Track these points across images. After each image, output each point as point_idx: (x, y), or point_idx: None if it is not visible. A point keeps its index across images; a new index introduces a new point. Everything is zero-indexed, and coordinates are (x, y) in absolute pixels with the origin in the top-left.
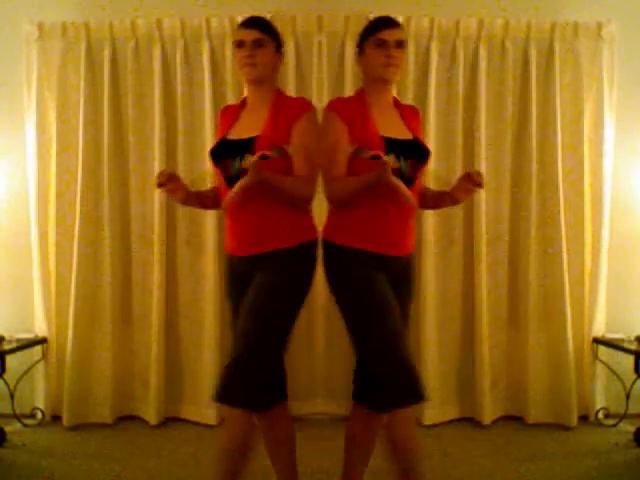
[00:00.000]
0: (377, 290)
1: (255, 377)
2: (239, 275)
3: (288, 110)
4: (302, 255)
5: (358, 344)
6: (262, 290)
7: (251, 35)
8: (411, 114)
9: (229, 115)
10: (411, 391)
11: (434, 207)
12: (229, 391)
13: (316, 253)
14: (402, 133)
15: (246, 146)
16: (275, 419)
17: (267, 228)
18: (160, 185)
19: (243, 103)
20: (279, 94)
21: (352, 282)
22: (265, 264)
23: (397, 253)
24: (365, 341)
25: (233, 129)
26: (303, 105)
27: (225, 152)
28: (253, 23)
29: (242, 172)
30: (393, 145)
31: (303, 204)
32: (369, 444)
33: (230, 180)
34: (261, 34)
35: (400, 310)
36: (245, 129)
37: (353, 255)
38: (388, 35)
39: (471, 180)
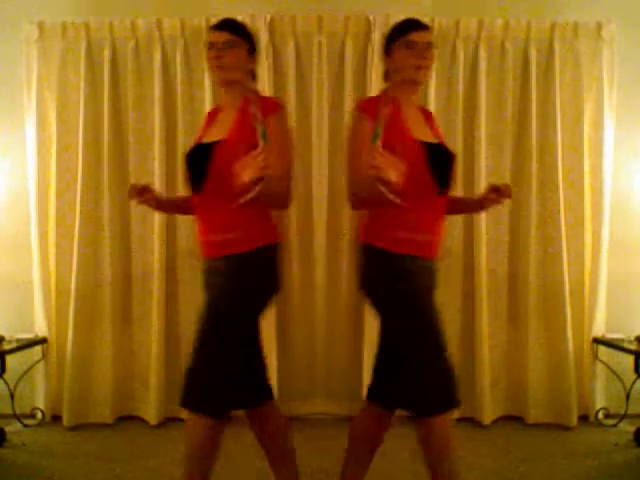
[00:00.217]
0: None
1: (207, 387)
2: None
3: (258, 112)
4: (257, 261)
5: (401, 353)
6: (210, 299)
7: (221, 37)
8: (430, 117)
9: (210, 117)
10: (451, 399)
11: (457, 213)
12: (185, 398)
13: (275, 258)
14: (429, 136)
15: (206, 152)
16: (263, 417)
17: (225, 230)
18: (132, 198)
19: (218, 107)
20: (249, 95)
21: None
22: (219, 267)
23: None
24: (415, 353)
25: (208, 132)
26: (271, 106)
27: (190, 158)
28: (224, 25)
29: (198, 179)
30: (430, 149)
31: (280, 203)
32: (377, 444)
33: (193, 189)
34: (231, 36)
35: None
36: (215, 132)
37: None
38: (418, 37)
39: (500, 193)
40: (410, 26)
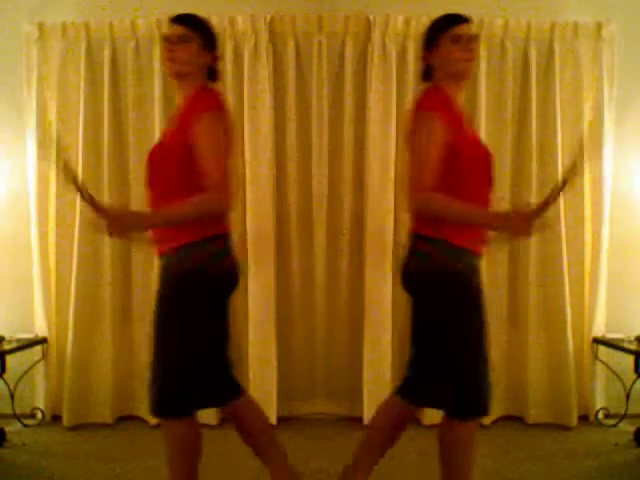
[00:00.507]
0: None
1: (165, 391)
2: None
3: (192, 111)
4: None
5: (449, 352)
6: (156, 301)
7: (176, 30)
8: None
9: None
10: (487, 405)
11: None
12: (150, 406)
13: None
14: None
15: (150, 152)
16: (240, 415)
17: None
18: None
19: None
20: (198, 93)
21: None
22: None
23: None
24: (463, 354)
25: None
26: (204, 105)
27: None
28: (179, 19)
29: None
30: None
31: (222, 209)
32: (395, 437)
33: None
34: (186, 30)
35: None
36: (165, 133)
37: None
38: (463, 30)
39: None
40: (454, 20)
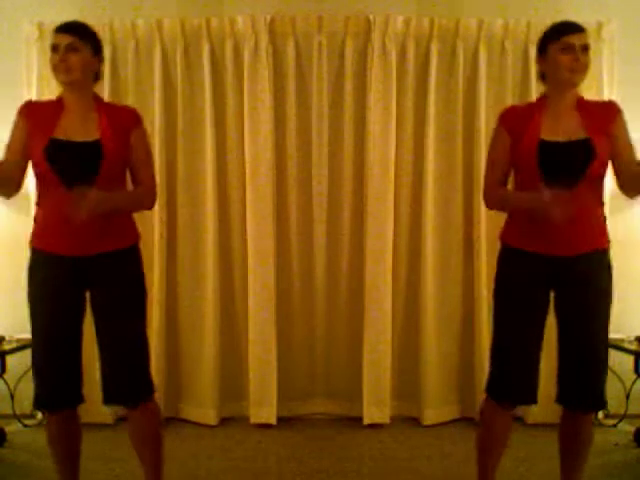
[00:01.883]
0: None
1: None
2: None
3: (124, 118)
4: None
5: (603, 349)
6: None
7: (65, 39)
8: (600, 112)
9: (40, 114)
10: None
11: None
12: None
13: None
14: (573, 134)
15: (92, 149)
16: (135, 419)
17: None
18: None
19: (58, 104)
20: (99, 99)
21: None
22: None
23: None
24: (606, 347)
25: (59, 130)
26: (137, 114)
27: (64, 153)
28: (68, 27)
29: (85, 176)
30: (548, 149)
31: (150, 207)
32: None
33: (70, 183)
34: (74, 39)
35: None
36: (77, 132)
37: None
38: (575, 39)
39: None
40: (566, 28)
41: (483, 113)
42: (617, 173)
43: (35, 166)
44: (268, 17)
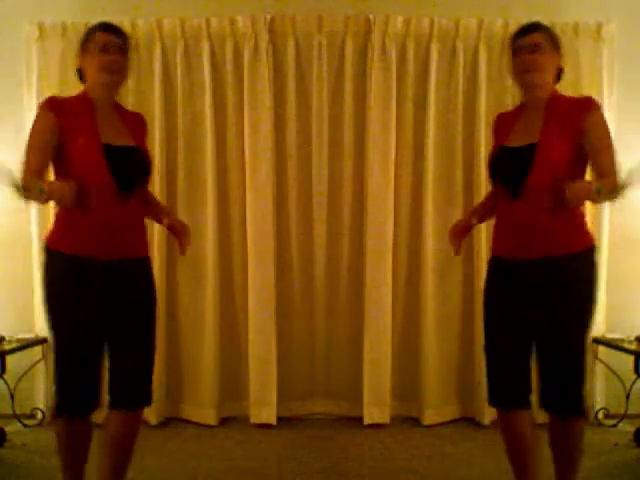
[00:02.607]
0: None
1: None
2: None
3: (139, 124)
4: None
5: (577, 353)
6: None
7: (115, 40)
8: (570, 109)
9: (71, 112)
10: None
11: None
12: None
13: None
14: (533, 138)
15: (140, 154)
16: (126, 423)
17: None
18: None
19: (88, 104)
20: (115, 102)
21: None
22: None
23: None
24: (581, 351)
25: (103, 135)
26: (146, 121)
27: (121, 159)
28: (116, 29)
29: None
30: (501, 156)
31: None
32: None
33: (125, 188)
34: (123, 41)
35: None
36: (116, 136)
37: None
38: (523, 41)
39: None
40: (516, 33)
41: (483, 113)
42: (591, 170)
43: (82, 170)
44: (268, 17)
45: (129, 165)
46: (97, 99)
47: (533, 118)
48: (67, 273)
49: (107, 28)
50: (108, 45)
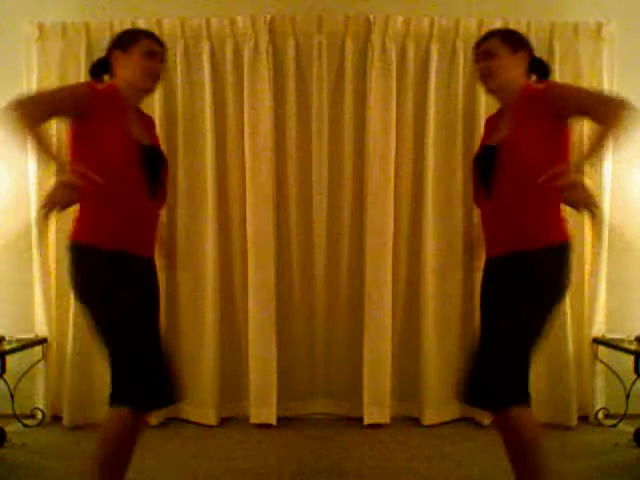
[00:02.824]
0: None
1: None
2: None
3: (152, 126)
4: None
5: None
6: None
7: (160, 49)
8: (534, 98)
9: (108, 104)
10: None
11: None
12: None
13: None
14: (501, 136)
15: (160, 154)
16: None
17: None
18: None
19: (121, 101)
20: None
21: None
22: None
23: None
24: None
25: (135, 133)
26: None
27: (151, 158)
28: (158, 39)
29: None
30: (480, 154)
31: None
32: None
33: (152, 186)
34: (164, 50)
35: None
36: (142, 134)
37: None
38: (477, 51)
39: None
40: (475, 43)
41: (483, 113)
42: (591, 122)
43: (117, 164)
44: (268, 17)
45: (157, 164)
46: (128, 97)
47: (508, 116)
48: (111, 268)
49: (153, 36)
50: (155, 52)
